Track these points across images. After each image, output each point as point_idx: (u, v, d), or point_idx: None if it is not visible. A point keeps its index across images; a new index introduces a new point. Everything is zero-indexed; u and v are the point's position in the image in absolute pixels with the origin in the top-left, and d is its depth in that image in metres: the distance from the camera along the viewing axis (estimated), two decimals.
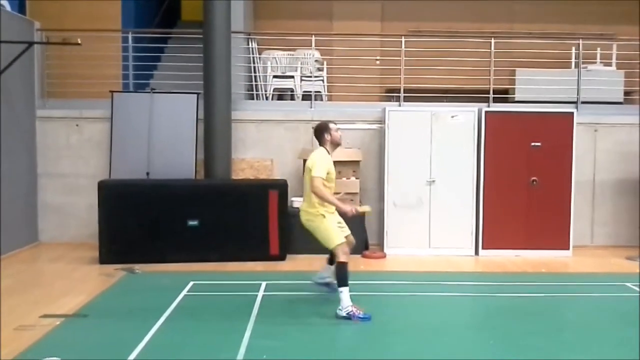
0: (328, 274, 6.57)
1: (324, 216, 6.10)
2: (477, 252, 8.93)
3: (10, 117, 8.76)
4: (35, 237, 9.48)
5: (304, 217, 6.22)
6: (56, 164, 9.58)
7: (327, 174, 6.07)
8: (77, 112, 9.61)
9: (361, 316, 5.80)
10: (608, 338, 5.52)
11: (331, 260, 6.44)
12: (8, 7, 9.17)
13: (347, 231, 6.31)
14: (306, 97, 10.16)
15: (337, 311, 5.88)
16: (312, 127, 6.37)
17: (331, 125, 6.26)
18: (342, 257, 5.95)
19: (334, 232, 6.06)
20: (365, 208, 6.65)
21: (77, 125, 9.61)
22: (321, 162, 6.06)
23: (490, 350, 5.22)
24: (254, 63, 10.39)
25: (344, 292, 5.86)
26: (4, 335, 5.36)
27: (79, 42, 8.04)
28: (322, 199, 6.02)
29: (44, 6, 10.24)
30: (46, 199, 9.57)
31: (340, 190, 8.78)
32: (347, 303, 5.84)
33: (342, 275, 5.92)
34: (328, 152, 6.23)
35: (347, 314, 5.81)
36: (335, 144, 6.29)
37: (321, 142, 6.29)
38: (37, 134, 9.54)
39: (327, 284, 6.60)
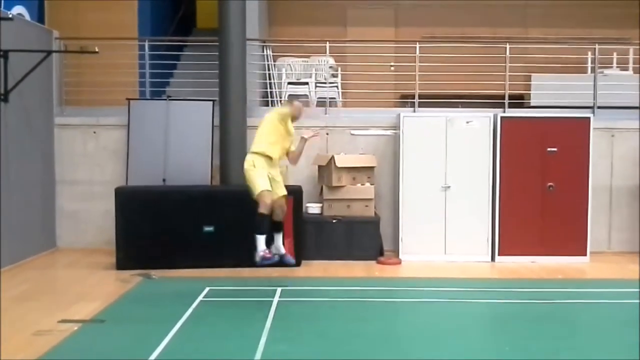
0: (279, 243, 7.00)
1: (254, 165, 6.58)
2: (493, 259, 8.88)
3: (29, 124, 8.88)
4: (53, 243, 9.57)
5: (243, 169, 6.75)
6: (73, 170, 9.67)
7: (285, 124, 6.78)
8: (94, 119, 9.71)
9: (271, 259, 6.59)
10: (623, 345, 5.45)
11: (273, 228, 6.83)
12: (27, 16, 9.31)
13: (280, 191, 6.78)
14: (321, 103, 10.19)
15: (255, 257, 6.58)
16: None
17: (299, 101, 7.17)
18: (261, 208, 6.43)
19: (258, 180, 6.53)
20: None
21: (94, 132, 9.70)
22: (277, 110, 7.04)
23: (506, 356, 5.18)
24: (268, 70, 10.44)
25: (259, 239, 6.49)
26: (22, 340, 5.42)
27: (97, 50, 8.16)
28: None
29: (62, 15, 10.38)
30: (63, 206, 9.67)
31: (354, 196, 8.89)
32: (260, 248, 6.52)
33: (258, 223, 6.47)
34: (292, 118, 6.92)
35: (260, 257, 6.51)
36: (299, 116, 7.04)
37: (292, 114, 6.93)
38: (55, 141, 9.65)
39: (282, 257, 6.98)
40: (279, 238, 6.93)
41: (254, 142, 6.82)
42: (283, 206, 6.85)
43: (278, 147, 6.76)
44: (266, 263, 6.59)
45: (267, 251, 6.56)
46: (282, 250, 6.96)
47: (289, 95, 7.16)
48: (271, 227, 6.75)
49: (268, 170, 6.67)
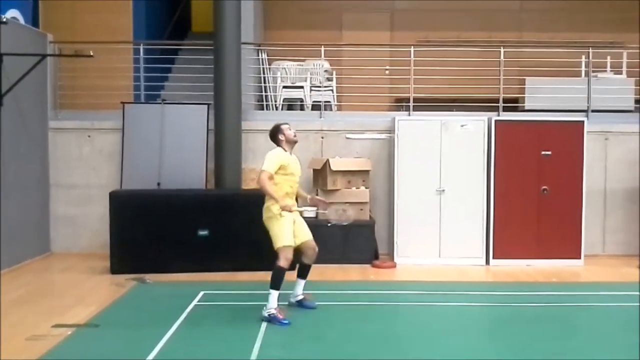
0: (301, 290, 6.59)
1: (281, 215, 6.12)
2: (487, 262, 8.89)
3: (23, 128, 8.87)
4: (47, 248, 9.55)
5: (264, 215, 6.25)
6: (68, 174, 9.66)
7: (282, 168, 6.17)
8: (88, 123, 9.70)
9: (282, 321, 5.93)
10: (618, 348, 5.47)
11: (300, 274, 6.51)
12: (22, 20, 9.30)
13: (308, 236, 6.36)
14: (316, 107, 10.20)
15: (262, 311, 6.04)
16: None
17: (283, 126, 6.36)
18: (281, 262, 6.04)
19: (282, 233, 6.10)
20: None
21: (88, 136, 9.69)
22: (272, 158, 6.18)
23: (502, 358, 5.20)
24: (263, 73, 10.45)
25: (273, 295, 6.01)
26: (16, 344, 5.40)
27: (91, 54, 8.14)
28: (263, 189, 6.11)
29: (56, 19, 10.37)
30: (58, 210, 9.65)
31: (349, 200, 8.87)
32: (271, 305, 6.00)
33: (275, 278, 6.03)
34: (285, 150, 6.32)
35: (269, 315, 5.97)
36: (291, 142, 6.37)
37: (278, 144, 6.37)
38: (50, 145, 9.63)
39: (300, 302, 6.56)
40: (301, 284, 6.53)
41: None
42: (315, 247, 6.40)
43: (290, 193, 6.31)
44: (275, 323, 5.94)
45: (280, 310, 6.02)
46: (301, 295, 6.55)
47: (277, 126, 6.39)
48: (300, 270, 6.50)
49: (290, 217, 6.21)
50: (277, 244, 6.10)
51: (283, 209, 6.06)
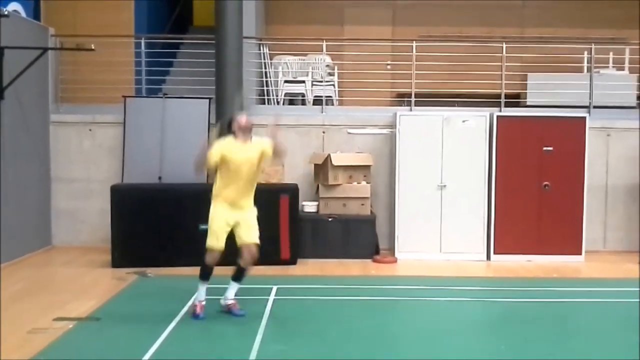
0: (233, 293, 6.16)
1: (218, 200, 5.88)
2: (488, 257, 8.90)
3: (24, 121, 8.86)
4: (49, 241, 9.55)
5: None
6: (69, 168, 9.65)
7: (223, 160, 5.80)
8: (90, 117, 9.69)
9: (194, 315, 5.96)
10: (618, 344, 5.48)
11: (234, 276, 6.12)
12: (23, 14, 9.28)
13: (250, 239, 5.92)
14: (317, 101, 10.19)
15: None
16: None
17: (236, 116, 6.09)
18: (207, 259, 5.97)
19: (213, 233, 5.89)
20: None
21: (90, 130, 9.68)
22: (218, 145, 5.87)
23: (501, 355, 5.20)
24: (265, 68, 10.43)
25: (201, 286, 6.03)
26: (17, 338, 5.41)
27: (93, 47, 8.14)
28: (194, 166, 6.08)
29: (58, 12, 10.35)
30: (59, 204, 9.65)
31: (350, 195, 8.87)
32: (198, 297, 6.02)
33: (200, 271, 6.04)
34: (237, 138, 5.91)
35: (193, 307, 6.02)
36: (243, 128, 5.91)
37: (234, 134, 5.97)
38: (51, 138, 9.63)
39: (229, 307, 6.15)
40: (234, 287, 6.10)
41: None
42: (253, 253, 5.94)
43: (233, 186, 5.86)
44: (193, 316, 5.92)
45: (202, 304, 5.96)
46: (230, 300, 6.11)
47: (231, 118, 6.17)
48: (235, 273, 6.08)
49: (231, 213, 5.88)
50: (207, 241, 5.94)
51: (196, 165, 5.95)
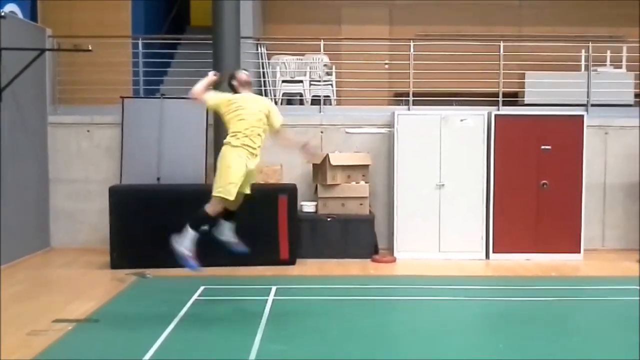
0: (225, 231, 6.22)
1: (235, 150, 5.77)
2: (487, 256, 8.90)
3: (22, 123, 8.84)
4: (47, 243, 9.54)
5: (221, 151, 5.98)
6: (67, 169, 9.64)
7: (227, 105, 5.91)
8: (87, 117, 9.68)
9: (191, 264, 5.77)
10: (617, 343, 5.48)
11: (227, 215, 6.09)
12: (20, 15, 9.26)
13: (246, 190, 5.95)
14: (315, 101, 10.18)
15: (174, 242, 5.79)
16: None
17: (236, 72, 6.26)
18: (211, 209, 5.80)
19: (229, 185, 5.71)
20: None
21: (87, 131, 9.67)
22: (222, 94, 6.05)
23: (500, 354, 5.20)
24: (263, 68, 10.43)
25: (191, 235, 5.77)
26: (16, 340, 5.41)
27: (90, 48, 8.12)
28: (194, 95, 6.02)
29: (55, 13, 10.33)
30: (57, 205, 9.63)
31: (349, 195, 8.87)
32: (188, 245, 5.78)
33: (198, 219, 5.81)
34: (238, 92, 6.09)
35: (181, 252, 5.77)
36: (244, 83, 6.10)
37: (235, 90, 6.13)
38: (49, 139, 9.61)
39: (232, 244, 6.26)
40: (227, 225, 6.16)
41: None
42: (239, 201, 6.00)
43: (249, 132, 5.80)
44: (186, 265, 5.78)
45: (192, 251, 5.80)
46: (233, 238, 6.23)
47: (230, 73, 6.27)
48: (224, 213, 6.04)
49: (247, 163, 5.82)
50: (215, 190, 5.77)
51: (204, 86, 5.98)
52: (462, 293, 7.17)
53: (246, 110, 5.92)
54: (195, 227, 5.82)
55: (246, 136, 5.83)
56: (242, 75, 6.19)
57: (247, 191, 6.04)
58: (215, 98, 6.09)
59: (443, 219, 8.88)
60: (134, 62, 10.06)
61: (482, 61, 9.99)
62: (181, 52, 11.68)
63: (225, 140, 5.93)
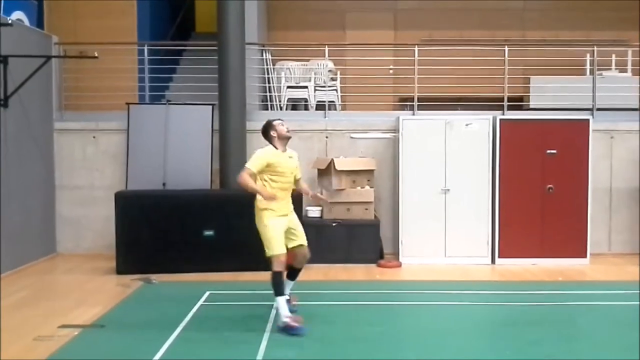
0: (289, 290, 6.29)
1: (268, 212, 5.87)
2: (493, 261, 8.88)
3: (28, 129, 8.89)
4: (53, 249, 9.57)
5: (256, 216, 6.02)
6: (73, 175, 9.68)
7: (270, 167, 5.91)
8: (93, 124, 9.72)
9: (295, 330, 5.64)
10: (623, 347, 5.44)
11: (289, 275, 6.26)
12: (27, 22, 9.33)
13: (301, 241, 6.12)
14: (320, 106, 10.20)
15: (279, 323, 5.76)
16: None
17: (274, 122, 6.12)
18: (275, 266, 5.83)
19: (273, 241, 5.86)
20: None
21: (93, 137, 9.71)
22: (258, 156, 5.96)
23: (506, 359, 5.18)
24: (268, 74, 10.45)
25: (280, 302, 5.77)
26: (22, 345, 5.42)
27: (96, 55, 8.17)
28: (242, 185, 5.88)
29: (61, 20, 10.41)
30: (63, 211, 9.67)
31: (354, 200, 8.87)
32: (283, 313, 5.73)
33: (275, 284, 5.81)
34: (276, 147, 6.04)
35: (284, 325, 5.68)
36: (283, 138, 6.08)
37: (270, 141, 6.11)
38: (55, 146, 9.66)
39: (288, 301, 6.12)
40: (290, 284, 6.30)
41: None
42: (306, 255, 6.20)
43: (281, 194, 5.98)
44: (293, 333, 5.63)
45: (292, 318, 5.71)
46: (287, 296, 6.18)
47: (269, 122, 6.15)
48: (288, 272, 6.21)
49: (283, 221, 5.99)
50: (268, 252, 5.91)
51: (267, 198, 5.83)
52: (467, 298, 7.14)
53: (284, 172, 6.03)
54: (278, 293, 5.83)
55: (278, 197, 5.93)
56: (283, 129, 6.09)
57: (301, 243, 6.14)
58: (257, 168, 5.94)
59: (448, 223, 8.87)
60: (140, 69, 10.11)
61: (486, 66, 9.98)
62: (186, 58, 11.73)
63: (257, 202, 5.95)
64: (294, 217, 6.16)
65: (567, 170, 8.86)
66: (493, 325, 6.39)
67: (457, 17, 12.48)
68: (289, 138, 6.18)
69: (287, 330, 5.67)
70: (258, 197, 5.93)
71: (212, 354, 5.28)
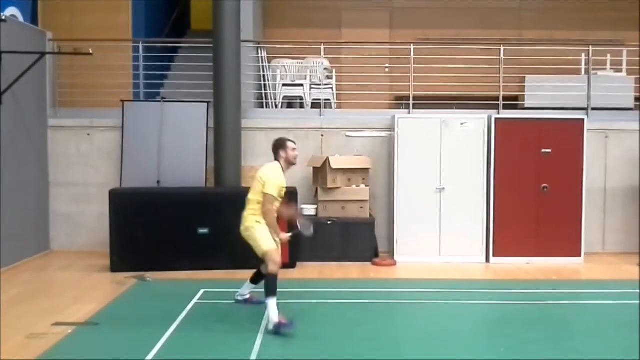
0: (248, 291, 6.54)
1: (259, 223, 5.97)
2: (487, 260, 8.89)
3: (23, 126, 8.85)
4: (47, 246, 9.53)
5: (242, 225, 6.07)
6: (67, 172, 9.64)
7: (282, 189, 6.00)
8: (88, 121, 9.68)
9: (287, 327, 5.61)
10: (618, 346, 5.47)
11: (254, 279, 6.41)
12: (21, 18, 9.28)
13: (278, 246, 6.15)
14: (315, 105, 10.19)
15: (270, 325, 5.70)
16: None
17: (289, 144, 6.08)
18: (271, 267, 5.84)
19: (265, 237, 5.93)
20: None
21: (88, 134, 9.68)
22: (277, 182, 5.93)
23: (500, 357, 5.19)
24: (263, 71, 10.44)
25: (271, 304, 5.71)
26: (16, 343, 5.40)
27: (91, 52, 8.13)
28: (266, 218, 5.91)
29: (56, 17, 10.36)
30: (57, 208, 9.63)
31: (349, 198, 8.87)
32: (273, 315, 5.67)
33: (269, 285, 5.79)
34: (282, 168, 6.06)
35: (275, 327, 5.62)
36: (289, 163, 6.11)
37: (276, 157, 6.09)
38: (49, 143, 9.62)
39: (246, 300, 6.54)
40: (250, 287, 6.47)
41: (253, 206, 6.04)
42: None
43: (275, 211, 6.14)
44: (285, 331, 5.61)
45: (282, 317, 5.69)
46: (247, 295, 6.52)
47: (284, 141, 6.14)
48: (254, 275, 6.41)
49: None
50: (262, 247, 5.91)
51: (282, 240, 6.06)
52: (462, 296, 7.15)
53: (282, 194, 6.12)
54: (270, 294, 5.78)
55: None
56: (294, 155, 6.10)
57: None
58: (277, 194, 5.99)
59: (443, 222, 8.87)
60: (135, 66, 10.07)
61: (482, 65, 10.00)
62: (182, 55, 11.71)
63: (255, 217, 6.00)
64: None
65: (562, 169, 8.88)
66: (487, 323, 6.40)
67: (453, 16, 12.49)
68: (294, 165, 6.19)
69: (278, 328, 5.62)
70: (258, 216, 5.96)
71: (206, 352, 5.27)
